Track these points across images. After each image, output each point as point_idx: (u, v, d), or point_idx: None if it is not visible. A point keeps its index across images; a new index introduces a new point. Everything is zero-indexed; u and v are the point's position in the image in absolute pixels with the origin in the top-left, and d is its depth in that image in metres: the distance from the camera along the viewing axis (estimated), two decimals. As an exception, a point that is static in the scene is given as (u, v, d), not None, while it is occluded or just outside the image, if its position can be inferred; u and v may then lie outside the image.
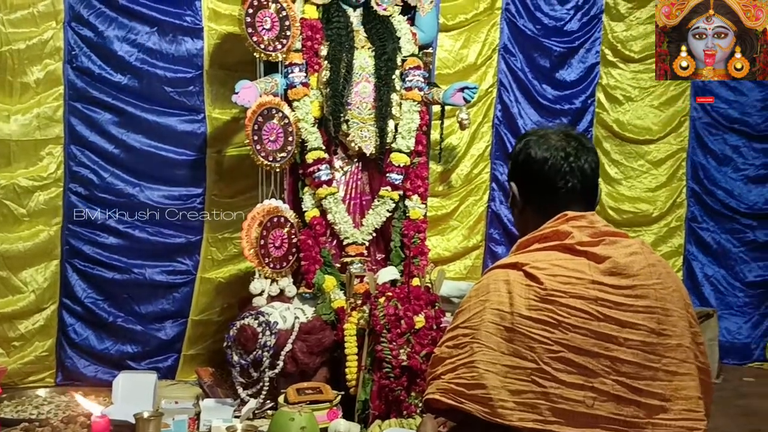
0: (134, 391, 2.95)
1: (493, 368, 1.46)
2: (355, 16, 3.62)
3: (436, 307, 3.10)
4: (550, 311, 1.47)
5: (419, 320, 2.99)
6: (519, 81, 4.44)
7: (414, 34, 3.69)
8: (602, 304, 1.48)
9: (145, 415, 2.67)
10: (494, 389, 1.44)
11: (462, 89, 3.58)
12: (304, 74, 3.48)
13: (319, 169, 3.46)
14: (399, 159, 3.56)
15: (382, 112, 3.51)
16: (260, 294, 3.30)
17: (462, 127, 3.70)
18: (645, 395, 1.46)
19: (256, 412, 2.99)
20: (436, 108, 3.87)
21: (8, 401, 3.08)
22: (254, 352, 3.05)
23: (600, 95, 4.61)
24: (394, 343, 2.91)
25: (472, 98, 3.62)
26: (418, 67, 3.65)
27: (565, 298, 1.47)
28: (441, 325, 3.00)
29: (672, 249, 4.75)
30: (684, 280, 4.60)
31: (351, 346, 3.05)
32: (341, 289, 3.34)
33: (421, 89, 3.63)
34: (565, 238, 1.57)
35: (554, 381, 1.43)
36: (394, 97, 3.56)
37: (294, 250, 3.45)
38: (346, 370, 3.05)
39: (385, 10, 3.66)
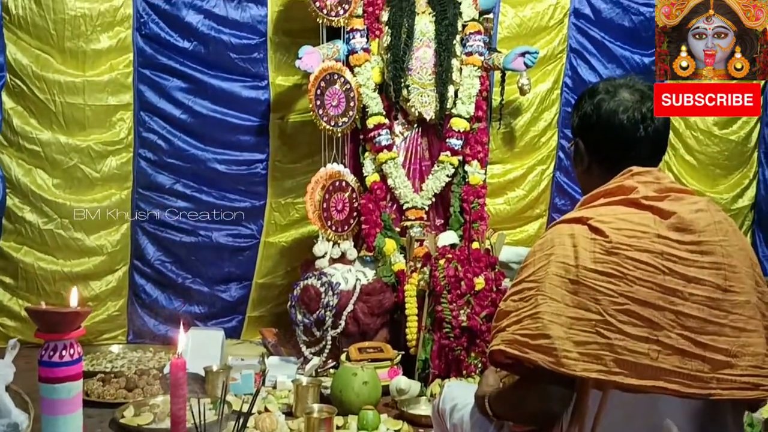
0: (203, 346, 3.05)
1: (557, 319, 1.45)
2: (415, -18, 3.62)
3: (496, 270, 3.12)
4: (616, 264, 1.46)
5: (479, 282, 3.01)
6: (594, 42, 4.22)
7: (475, 0, 3.67)
8: (668, 258, 1.47)
9: (215, 368, 2.79)
10: (559, 339, 1.44)
11: (523, 54, 3.55)
12: (366, 40, 3.52)
13: (379, 134, 3.49)
14: (459, 124, 3.57)
15: (443, 77, 3.51)
16: (323, 256, 3.36)
17: (522, 92, 3.68)
18: (710, 350, 1.44)
19: (318, 370, 3.06)
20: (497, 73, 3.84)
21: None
22: (317, 312, 3.12)
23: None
24: (454, 304, 2.95)
25: (534, 63, 3.58)
26: (478, 32, 3.63)
27: (630, 251, 1.47)
28: (500, 287, 3.02)
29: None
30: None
31: (411, 306, 3.09)
32: (401, 253, 3.38)
33: (481, 54, 3.61)
34: (630, 192, 1.57)
35: (619, 333, 1.43)
36: (455, 62, 3.56)
37: (355, 214, 3.51)
38: (407, 330, 3.09)
39: (445, -25, 3.64)
